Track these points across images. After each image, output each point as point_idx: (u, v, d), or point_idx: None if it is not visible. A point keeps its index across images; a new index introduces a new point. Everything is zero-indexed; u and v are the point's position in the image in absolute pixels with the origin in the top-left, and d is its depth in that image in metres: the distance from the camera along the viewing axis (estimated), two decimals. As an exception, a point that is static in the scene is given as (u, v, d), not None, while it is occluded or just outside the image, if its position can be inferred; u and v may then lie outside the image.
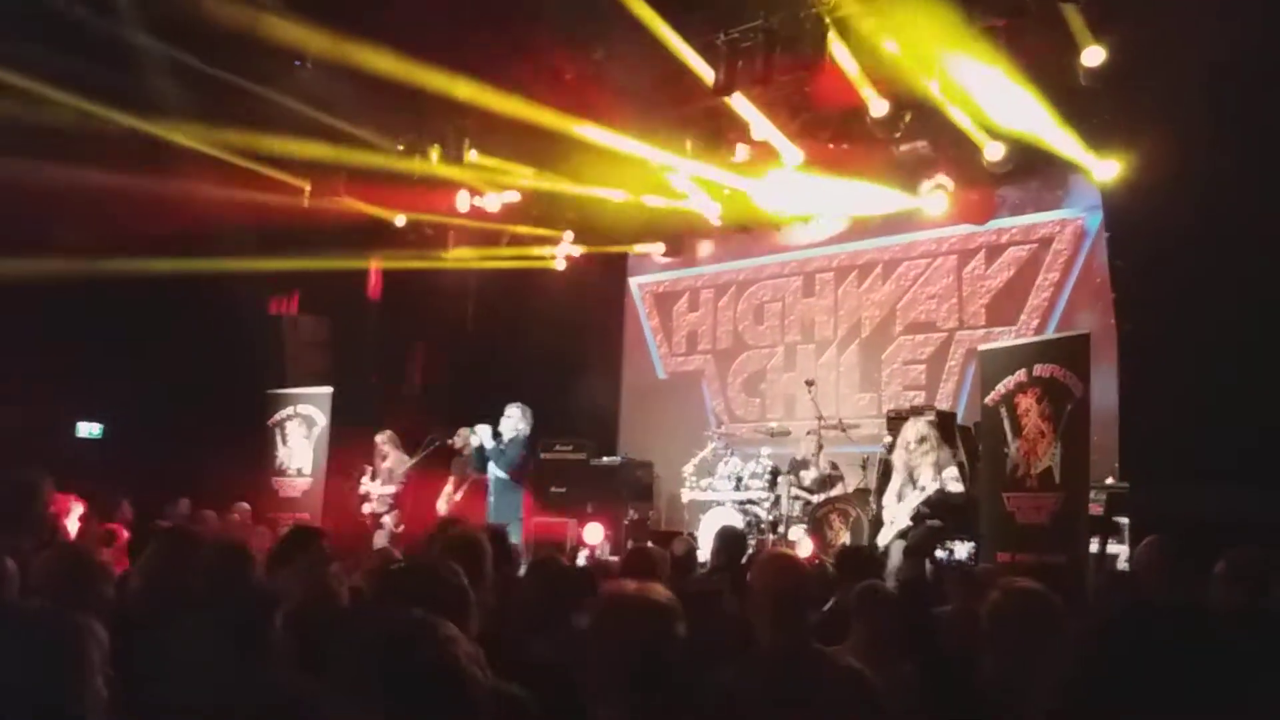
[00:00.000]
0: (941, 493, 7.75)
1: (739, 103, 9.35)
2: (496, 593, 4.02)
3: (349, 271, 11.99)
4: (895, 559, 7.65)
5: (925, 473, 7.84)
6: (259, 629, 3.20)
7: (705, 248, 13.22)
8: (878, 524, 8.33)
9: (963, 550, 8.10)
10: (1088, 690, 1.52)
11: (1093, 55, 7.92)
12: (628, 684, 2.28)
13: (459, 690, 1.51)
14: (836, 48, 8.53)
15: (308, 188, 11.42)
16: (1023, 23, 8.32)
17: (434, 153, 10.58)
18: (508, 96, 9.33)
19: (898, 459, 8.09)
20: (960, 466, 8.04)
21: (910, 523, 7.81)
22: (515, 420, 9.52)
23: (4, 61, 8.30)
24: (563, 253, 13.05)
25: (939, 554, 7.77)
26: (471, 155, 10.66)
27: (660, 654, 2.31)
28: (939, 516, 7.85)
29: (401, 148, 10.84)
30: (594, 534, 10.11)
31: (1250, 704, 1.43)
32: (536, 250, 13.04)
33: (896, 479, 8.11)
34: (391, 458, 10.34)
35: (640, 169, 10.74)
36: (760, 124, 9.66)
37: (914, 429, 8.08)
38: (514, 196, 11.74)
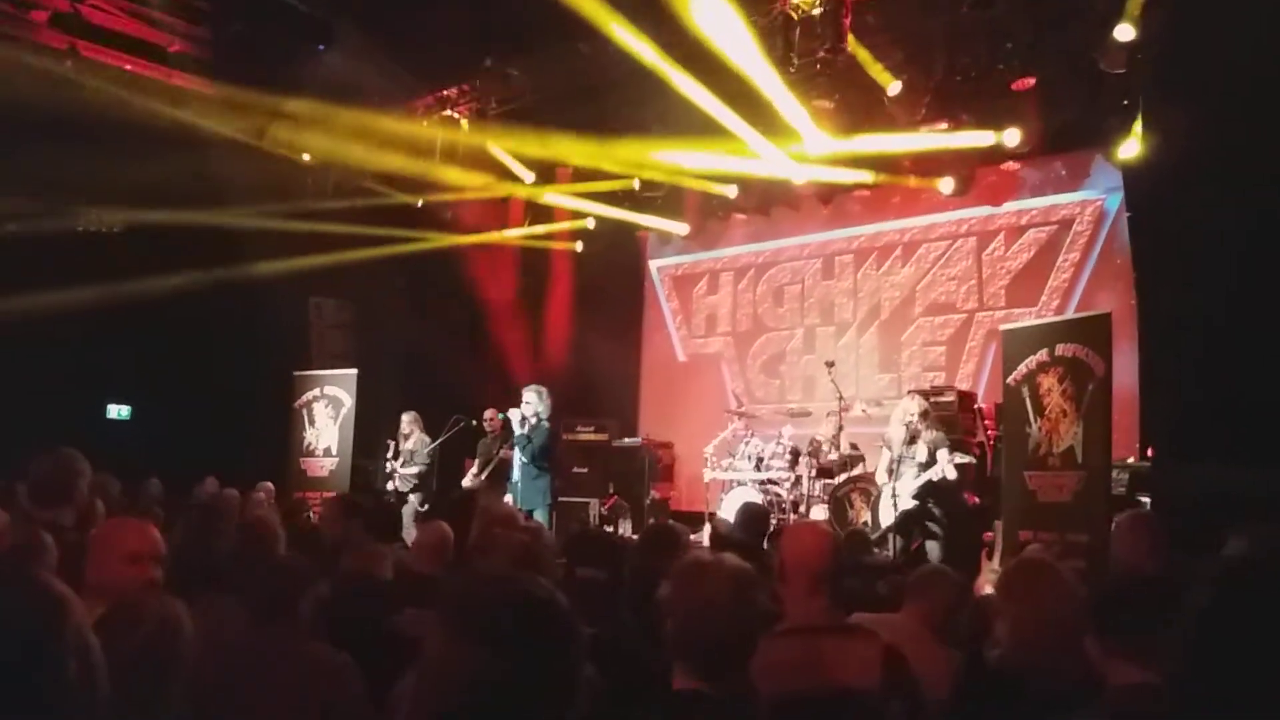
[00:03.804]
0: (942, 477, 7.84)
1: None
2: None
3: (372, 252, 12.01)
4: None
5: (922, 450, 7.92)
6: (286, 603, 3.26)
7: (725, 230, 13.22)
8: (877, 504, 8.44)
9: None
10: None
11: (1124, 32, 7.90)
12: (709, 651, 2.25)
13: (570, 631, 1.60)
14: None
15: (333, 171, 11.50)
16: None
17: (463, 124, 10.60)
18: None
19: (894, 433, 8.16)
20: (954, 445, 8.13)
21: (915, 502, 7.90)
22: (534, 404, 9.52)
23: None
24: (583, 235, 13.10)
25: None
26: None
27: (741, 621, 2.29)
28: (937, 496, 7.94)
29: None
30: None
31: None
32: (557, 232, 13.09)
33: (887, 455, 8.19)
34: (414, 438, 10.42)
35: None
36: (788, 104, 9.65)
37: (914, 403, 8.15)
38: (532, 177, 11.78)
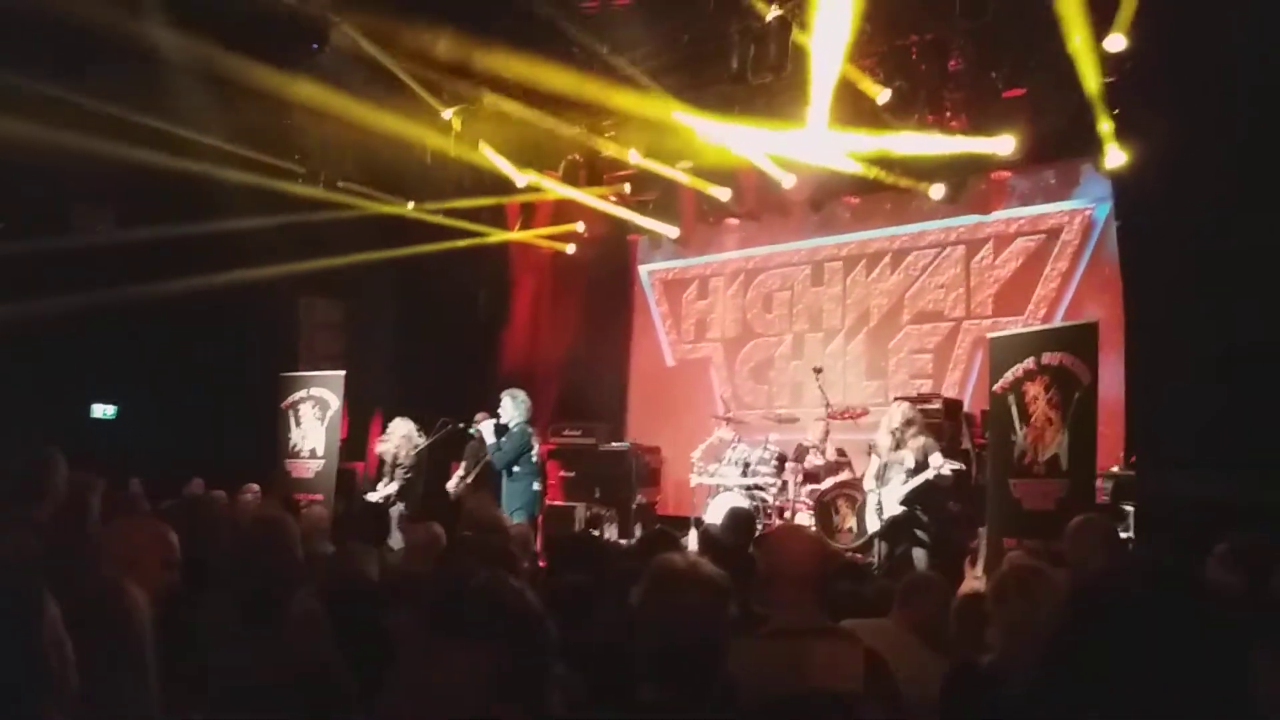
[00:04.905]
0: (929, 481, 7.85)
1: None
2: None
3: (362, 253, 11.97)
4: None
5: (910, 457, 7.93)
6: (277, 602, 3.24)
7: (715, 236, 13.24)
8: (863, 510, 8.45)
9: None
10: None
11: (1114, 43, 7.94)
12: (677, 661, 2.15)
13: (538, 624, 1.61)
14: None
15: (322, 175, 11.46)
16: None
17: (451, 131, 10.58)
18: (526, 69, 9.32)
19: (881, 441, 8.17)
20: (943, 452, 8.14)
21: (902, 508, 7.90)
22: (508, 409, 9.47)
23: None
24: (573, 238, 13.10)
25: None
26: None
27: (711, 631, 2.19)
28: (925, 502, 7.94)
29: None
30: None
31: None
32: (547, 235, 13.08)
33: (876, 461, 8.20)
34: (396, 443, 10.31)
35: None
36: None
37: (900, 412, 8.16)
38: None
